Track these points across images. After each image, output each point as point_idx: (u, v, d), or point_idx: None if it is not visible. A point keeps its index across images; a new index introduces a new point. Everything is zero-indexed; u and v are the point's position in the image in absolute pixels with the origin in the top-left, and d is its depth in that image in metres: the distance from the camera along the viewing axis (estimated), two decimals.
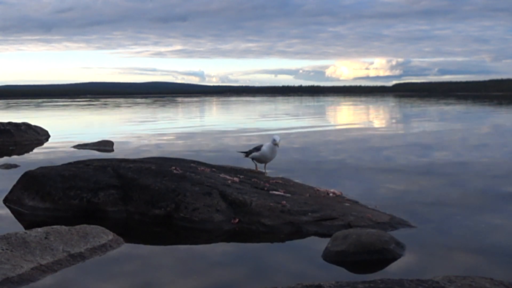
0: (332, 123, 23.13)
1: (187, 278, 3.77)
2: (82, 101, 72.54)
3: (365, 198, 6.07)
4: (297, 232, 4.80)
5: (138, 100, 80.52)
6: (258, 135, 15.31)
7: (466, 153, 10.67)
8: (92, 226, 4.52)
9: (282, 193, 5.72)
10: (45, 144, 13.29)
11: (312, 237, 4.69)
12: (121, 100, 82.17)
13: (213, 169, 6.61)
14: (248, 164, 7.83)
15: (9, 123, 14.39)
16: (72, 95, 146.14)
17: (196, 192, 5.34)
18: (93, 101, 71.70)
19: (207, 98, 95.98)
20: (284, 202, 5.23)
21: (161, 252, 4.47)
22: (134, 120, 25.07)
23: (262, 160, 7.33)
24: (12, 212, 5.67)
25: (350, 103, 56.41)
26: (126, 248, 4.42)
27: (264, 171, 7.39)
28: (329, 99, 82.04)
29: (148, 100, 76.08)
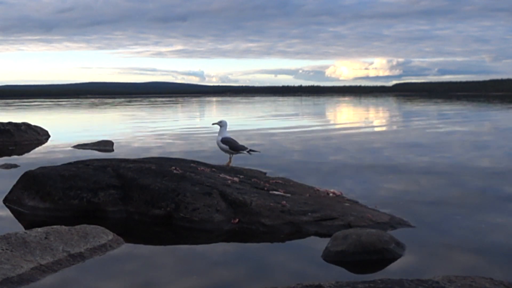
0: (332, 123, 23.14)
1: (187, 278, 3.77)
2: (60, 101, 72.55)
3: (365, 198, 6.07)
4: (297, 232, 4.80)
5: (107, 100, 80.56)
6: (258, 134, 15.31)
7: (466, 153, 10.67)
8: (92, 226, 4.52)
9: (282, 193, 5.72)
10: (45, 144, 13.28)
11: (312, 237, 4.69)
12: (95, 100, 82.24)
13: (213, 169, 6.61)
14: (248, 164, 7.85)
15: (9, 123, 14.38)
16: (72, 95, 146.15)
17: (196, 192, 5.34)
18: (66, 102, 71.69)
19: (199, 99, 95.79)
20: (284, 202, 5.23)
21: (161, 252, 4.47)
22: (132, 119, 25.08)
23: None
24: (12, 212, 5.67)
25: (350, 103, 56.41)
26: (126, 248, 4.42)
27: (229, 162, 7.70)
28: (329, 99, 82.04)
29: (119, 100, 75.87)
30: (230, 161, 7.67)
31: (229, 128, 7.84)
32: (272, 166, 8.49)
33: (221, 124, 7.72)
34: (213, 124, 7.90)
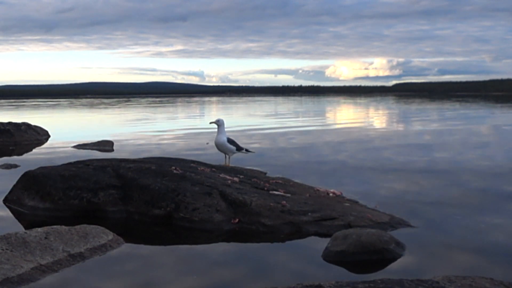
0: (332, 123, 23.13)
1: (188, 277, 3.77)
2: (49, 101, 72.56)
3: (365, 198, 6.07)
4: (297, 232, 4.80)
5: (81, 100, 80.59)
6: (258, 133, 15.31)
7: (466, 153, 10.67)
8: (92, 226, 4.52)
9: (282, 193, 5.72)
10: (45, 144, 13.28)
11: (312, 237, 4.69)
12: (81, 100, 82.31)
13: (213, 169, 6.61)
14: (248, 164, 7.85)
15: (9, 123, 14.38)
16: (72, 95, 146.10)
17: (196, 192, 5.34)
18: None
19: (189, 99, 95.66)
20: (284, 202, 5.23)
21: (161, 252, 4.47)
22: (133, 119, 25.09)
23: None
24: (12, 212, 5.67)
25: (350, 103, 56.41)
26: (126, 248, 4.42)
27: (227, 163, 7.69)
28: (329, 99, 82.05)
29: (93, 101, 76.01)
30: (229, 162, 7.66)
31: (229, 127, 7.84)
32: (272, 166, 8.49)
33: (219, 123, 7.57)
34: (210, 123, 7.79)
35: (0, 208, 5.79)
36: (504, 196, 6.38)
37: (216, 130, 7.67)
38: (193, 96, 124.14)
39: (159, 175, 5.77)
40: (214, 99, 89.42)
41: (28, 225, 4.95)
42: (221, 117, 8.08)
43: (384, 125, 21.17)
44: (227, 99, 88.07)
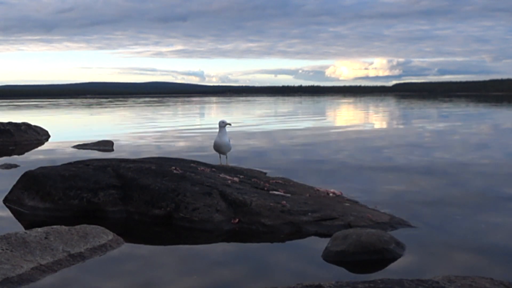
0: (332, 123, 23.13)
1: (188, 277, 3.77)
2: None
3: (365, 198, 6.07)
4: (297, 232, 4.80)
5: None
6: (258, 133, 15.31)
7: (466, 153, 10.67)
8: (92, 226, 4.52)
9: (282, 193, 5.72)
10: (45, 144, 13.28)
11: (312, 237, 4.69)
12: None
13: (213, 169, 6.62)
14: (248, 164, 7.84)
15: (9, 123, 14.38)
16: (72, 95, 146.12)
17: (196, 192, 5.34)
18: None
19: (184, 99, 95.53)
20: (284, 202, 5.23)
21: (161, 252, 4.47)
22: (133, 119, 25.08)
23: (216, 149, 7.73)
24: (12, 212, 5.67)
25: (350, 103, 56.40)
26: (126, 248, 4.42)
27: (223, 163, 7.63)
28: (329, 99, 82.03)
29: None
30: (227, 161, 7.65)
31: (229, 127, 7.82)
32: (272, 166, 8.49)
33: (222, 124, 7.59)
34: (228, 125, 7.74)
35: (0, 208, 5.79)
36: (504, 196, 6.37)
37: (216, 130, 7.67)
38: (193, 96, 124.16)
39: (159, 175, 5.77)
40: (214, 99, 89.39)
41: (28, 225, 4.95)
42: (220, 116, 8.10)
43: (384, 125, 21.17)
44: (227, 99, 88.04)
